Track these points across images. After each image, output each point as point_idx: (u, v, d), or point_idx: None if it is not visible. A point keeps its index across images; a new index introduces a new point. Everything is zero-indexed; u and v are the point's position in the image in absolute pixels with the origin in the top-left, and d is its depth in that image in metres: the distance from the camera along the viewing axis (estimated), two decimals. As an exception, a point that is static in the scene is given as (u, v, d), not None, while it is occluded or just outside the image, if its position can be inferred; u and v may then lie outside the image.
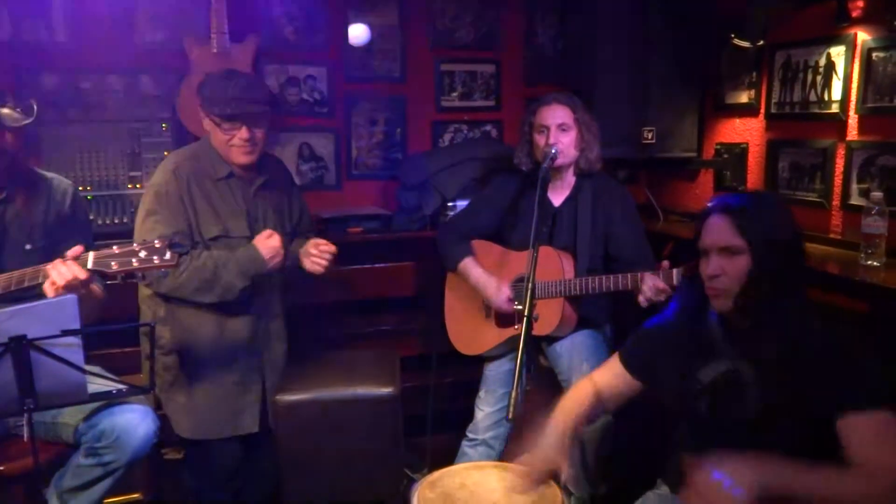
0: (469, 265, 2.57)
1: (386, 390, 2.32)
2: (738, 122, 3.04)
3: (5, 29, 2.87)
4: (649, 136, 3.07)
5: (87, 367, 1.56)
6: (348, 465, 2.29)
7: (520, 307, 2.01)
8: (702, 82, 3.13)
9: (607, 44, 3.10)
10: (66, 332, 1.45)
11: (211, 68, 2.77)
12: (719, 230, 1.54)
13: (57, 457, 1.81)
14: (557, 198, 2.57)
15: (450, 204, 3.16)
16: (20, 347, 1.39)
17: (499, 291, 2.48)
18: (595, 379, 1.85)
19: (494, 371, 2.64)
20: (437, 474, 1.74)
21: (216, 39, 2.89)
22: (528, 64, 3.61)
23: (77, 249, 1.71)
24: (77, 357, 1.51)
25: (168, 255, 1.71)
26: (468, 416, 2.69)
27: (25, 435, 1.48)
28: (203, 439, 2.29)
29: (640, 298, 2.23)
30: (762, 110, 2.89)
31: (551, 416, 1.77)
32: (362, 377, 2.37)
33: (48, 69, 2.91)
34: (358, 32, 3.33)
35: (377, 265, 3.15)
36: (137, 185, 2.79)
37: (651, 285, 2.21)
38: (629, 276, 2.29)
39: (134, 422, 1.76)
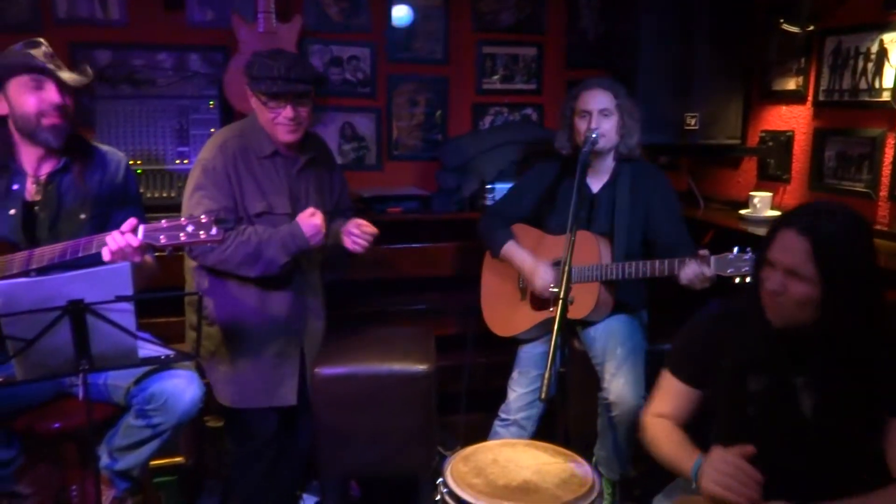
0: (512, 249, 2.59)
1: (421, 367, 2.36)
2: (784, 110, 2.99)
3: (62, 7, 2.97)
4: (692, 123, 3.04)
5: (139, 333, 1.63)
6: (382, 439, 2.35)
7: (555, 290, 2.02)
8: (748, 68, 3.08)
9: (651, 28, 3.07)
10: (119, 298, 1.52)
11: (257, 47, 2.83)
12: (794, 252, 1.44)
13: (109, 417, 1.89)
14: (596, 183, 2.57)
15: (488, 186, 3.18)
16: (78, 311, 1.47)
17: (543, 277, 2.50)
18: (658, 411, 1.77)
19: (528, 353, 2.67)
20: (470, 449, 1.78)
21: (263, 19, 2.95)
22: (570, 48, 3.59)
23: (131, 222, 1.78)
24: (129, 322, 1.58)
25: (214, 231, 1.77)
26: (500, 396, 2.72)
27: (80, 394, 1.56)
28: (243, 408, 2.37)
29: (683, 279, 2.24)
30: (810, 98, 2.84)
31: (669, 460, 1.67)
32: (398, 354, 2.42)
33: (102, 46, 3.01)
34: (401, 13, 3.35)
35: (415, 245, 3.18)
36: (184, 161, 2.87)
37: (697, 271, 2.20)
38: (667, 261, 2.29)
39: (181, 386, 1.83)
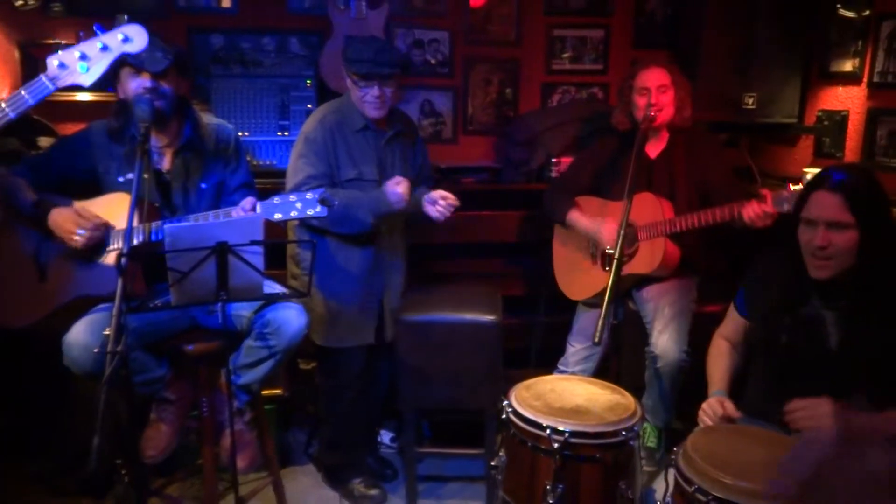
0: (575, 216, 2.85)
1: (489, 318, 2.65)
2: (840, 91, 3.13)
3: (183, -4, 3.39)
4: (750, 102, 3.21)
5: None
6: (454, 378, 2.65)
7: (611, 251, 2.29)
8: (806, 50, 3.22)
9: (716, 10, 3.24)
10: (253, 242, 1.89)
11: (349, 32, 3.16)
12: (830, 206, 1.70)
13: (232, 342, 2.27)
14: (653, 150, 2.80)
15: (554, 160, 3.41)
16: (223, 251, 1.85)
17: (607, 231, 2.72)
18: (722, 332, 2.13)
19: (587, 312, 2.92)
20: (531, 381, 2.10)
21: (355, 6, 3.27)
22: (637, 29, 3.77)
23: (251, 200, 2.11)
24: (259, 263, 1.95)
25: (319, 209, 2.08)
26: (559, 353, 3.00)
27: (220, 319, 1.95)
28: (333, 347, 2.74)
29: (745, 218, 2.40)
30: (865, 79, 2.98)
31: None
32: (470, 306, 2.71)
33: (216, 31, 3.41)
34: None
35: (485, 213, 3.45)
36: (285, 133, 3.24)
37: (758, 209, 2.36)
38: (727, 206, 2.47)
39: (292, 316, 2.17)
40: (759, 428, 1.79)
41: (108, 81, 2.21)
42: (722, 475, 1.53)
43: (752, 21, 3.18)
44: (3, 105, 1.64)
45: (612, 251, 2.28)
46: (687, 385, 2.72)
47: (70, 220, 2.10)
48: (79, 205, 2.19)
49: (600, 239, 2.77)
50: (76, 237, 2.09)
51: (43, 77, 1.70)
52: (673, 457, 1.68)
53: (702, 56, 3.26)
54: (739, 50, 3.22)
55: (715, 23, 3.25)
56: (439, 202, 2.60)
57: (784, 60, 3.22)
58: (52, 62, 1.72)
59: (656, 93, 2.68)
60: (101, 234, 2.14)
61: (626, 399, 2.00)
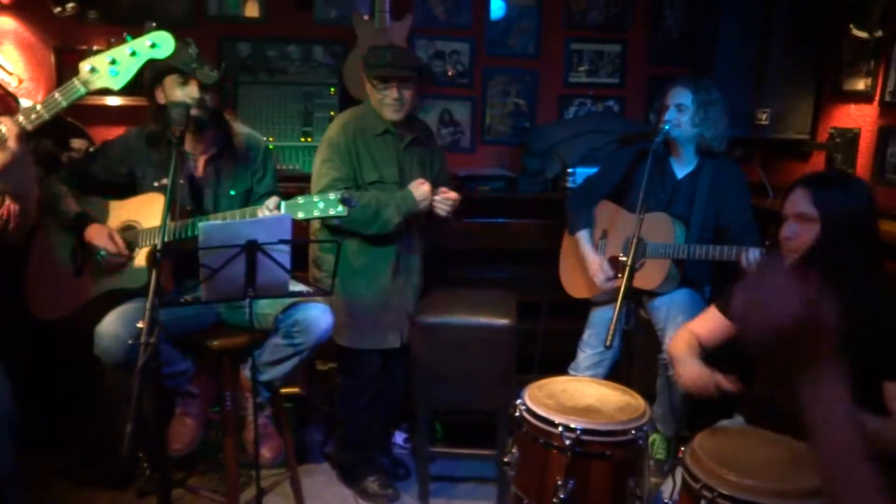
0: (582, 238, 2.91)
1: (504, 321, 2.72)
2: (853, 109, 3.19)
3: (213, 6, 3.50)
4: (763, 118, 3.27)
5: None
6: (469, 380, 2.71)
7: (624, 258, 2.36)
8: (819, 68, 3.29)
9: (731, 27, 3.31)
10: (281, 241, 1.97)
11: (373, 42, 3.26)
12: (797, 199, 1.79)
13: (254, 340, 2.35)
14: (681, 171, 2.85)
15: (569, 170, 3.46)
16: (252, 249, 1.93)
17: (599, 271, 2.83)
18: (691, 328, 2.15)
19: (599, 317, 2.97)
20: (544, 381, 2.17)
21: (378, 17, 3.38)
22: (654, 44, 3.85)
23: (274, 200, 2.18)
24: (286, 262, 2.03)
25: (340, 208, 2.14)
26: (571, 359, 3.04)
27: (247, 315, 2.03)
28: (354, 348, 2.80)
29: (744, 263, 2.49)
30: (877, 98, 3.03)
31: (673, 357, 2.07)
32: (485, 310, 2.78)
33: (243, 39, 3.53)
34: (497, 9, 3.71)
35: (500, 221, 3.52)
36: (309, 139, 3.34)
37: (757, 258, 2.45)
38: (734, 248, 2.56)
39: (318, 316, 2.26)
40: (767, 431, 1.85)
41: (142, 86, 2.32)
42: (727, 473, 1.59)
43: (766, 38, 3.25)
44: (39, 107, 1.72)
45: (624, 258, 2.35)
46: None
47: (103, 239, 2.22)
48: (115, 204, 2.29)
49: (592, 277, 2.86)
50: (101, 255, 2.23)
51: (76, 80, 1.78)
52: (680, 455, 1.73)
53: (716, 71, 3.33)
54: (754, 66, 3.28)
55: (729, 39, 3.31)
56: (436, 198, 2.68)
57: (798, 78, 3.28)
58: (84, 66, 1.80)
59: (673, 110, 2.73)
60: (124, 260, 2.26)
61: (636, 400, 2.06)
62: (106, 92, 1.87)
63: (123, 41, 1.85)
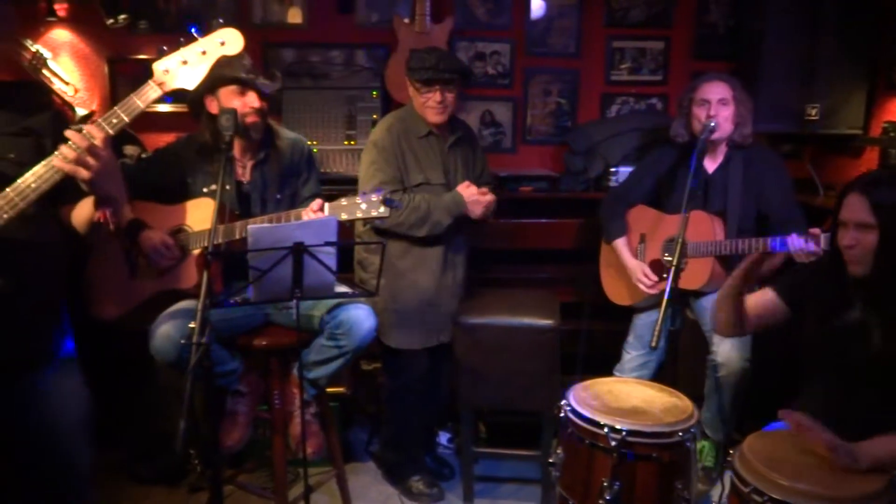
0: (620, 246, 2.92)
1: (548, 322, 2.72)
2: (908, 102, 3.09)
3: (257, 13, 3.58)
4: (813, 113, 3.20)
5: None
6: (512, 380, 2.72)
7: (669, 258, 2.33)
8: (872, 60, 3.19)
9: (778, 21, 3.24)
10: (327, 243, 2.01)
11: (414, 45, 3.27)
12: (856, 207, 1.76)
13: (301, 340, 2.39)
14: (711, 165, 2.82)
15: (612, 169, 3.44)
16: (299, 251, 1.97)
17: (643, 276, 2.83)
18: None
19: (643, 320, 2.96)
20: (589, 382, 2.16)
21: (419, 20, 3.40)
22: (698, 40, 3.77)
23: (318, 201, 2.22)
24: (332, 263, 2.06)
25: (382, 209, 2.16)
26: (614, 360, 3.04)
27: (294, 315, 2.07)
28: (400, 349, 2.83)
29: (791, 250, 2.39)
30: (933, 90, 2.94)
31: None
32: (529, 310, 2.79)
33: (287, 45, 3.59)
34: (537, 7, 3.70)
35: (543, 220, 3.51)
36: (352, 143, 3.38)
37: (802, 245, 2.36)
38: (776, 238, 2.46)
39: (362, 317, 2.29)
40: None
41: (189, 94, 2.37)
42: (778, 476, 1.56)
43: (815, 32, 3.17)
44: (118, 111, 1.76)
45: (669, 258, 2.32)
46: (747, 398, 2.73)
47: (156, 245, 2.28)
48: (165, 209, 2.37)
49: (631, 276, 2.87)
50: (153, 260, 2.30)
51: (151, 82, 1.81)
52: (729, 459, 1.71)
53: (763, 66, 3.26)
54: (802, 61, 3.21)
55: (777, 34, 3.24)
56: (469, 198, 2.71)
57: (849, 71, 3.19)
58: (158, 68, 1.83)
59: (716, 105, 2.70)
60: (175, 263, 2.32)
61: (682, 402, 2.03)
62: (175, 94, 1.89)
63: (194, 40, 1.86)
